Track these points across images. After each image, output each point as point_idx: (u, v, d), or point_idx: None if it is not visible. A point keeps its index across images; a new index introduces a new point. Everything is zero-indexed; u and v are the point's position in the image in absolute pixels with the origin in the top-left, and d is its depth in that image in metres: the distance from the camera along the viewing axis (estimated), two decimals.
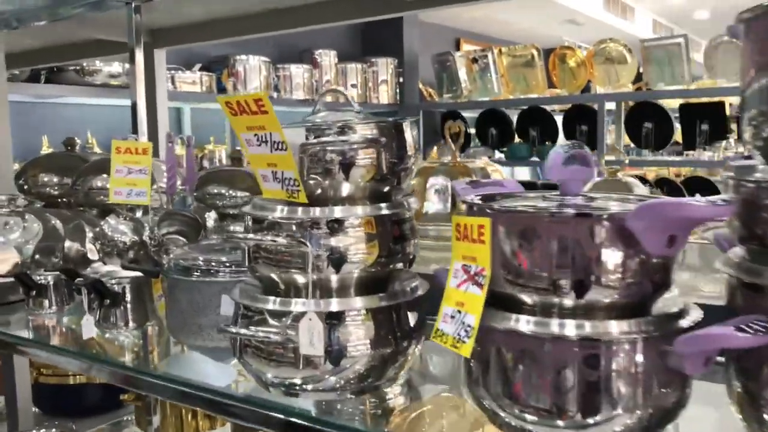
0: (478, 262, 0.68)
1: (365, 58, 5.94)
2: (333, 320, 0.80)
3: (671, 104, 5.76)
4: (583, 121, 5.83)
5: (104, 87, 3.92)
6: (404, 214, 0.85)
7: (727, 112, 5.43)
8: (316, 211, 0.79)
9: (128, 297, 1.06)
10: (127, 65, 4.06)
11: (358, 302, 0.81)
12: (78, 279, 1.04)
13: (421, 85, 6.46)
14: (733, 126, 5.42)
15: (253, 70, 4.89)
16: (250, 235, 0.80)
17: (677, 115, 5.57)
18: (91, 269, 1.19)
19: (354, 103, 0.85)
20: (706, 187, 5.33)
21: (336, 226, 0.79)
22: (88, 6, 1.50)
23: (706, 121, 5.40)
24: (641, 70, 5.65)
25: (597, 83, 5.82)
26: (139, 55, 1.59)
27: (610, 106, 5.73)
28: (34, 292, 1.15)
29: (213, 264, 0.96)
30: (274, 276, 0.82)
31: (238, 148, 4.56)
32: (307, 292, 0.80)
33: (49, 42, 2.33)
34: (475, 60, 6.08)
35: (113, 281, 1.05)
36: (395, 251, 0.84)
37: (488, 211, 0.70)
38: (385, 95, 5.99)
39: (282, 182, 0.78)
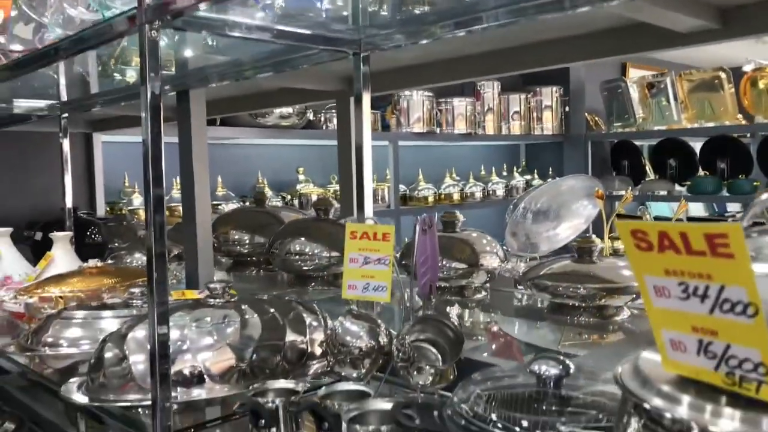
0: None
1: (528, 88, 5.59)
2: None
3: None
4: None
5: (275, 128, 3.88)
6: None
7: None
8: None
9: None
10: (297, 105, 4.02)
11: None
12: None
13: (586, 115, 6.01)
14: None
15: (416, 105, 4.71)
16: None
17: None
18: (327, 390, 0.95)
19: None
20: None
21: None
22: (310, 58, 1.32)
23: None
24: None
25: None
26: (366, 101, 1.40)
27: None
28: (262, 422, 0.93)
29: None
30: None
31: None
32: None
33: (244, 91, 2.23)
34: (651, 85, 5.54)
35: None
36: None
37: None
38: (549, 125, 5.61)
39: (721, 360, 0.48)
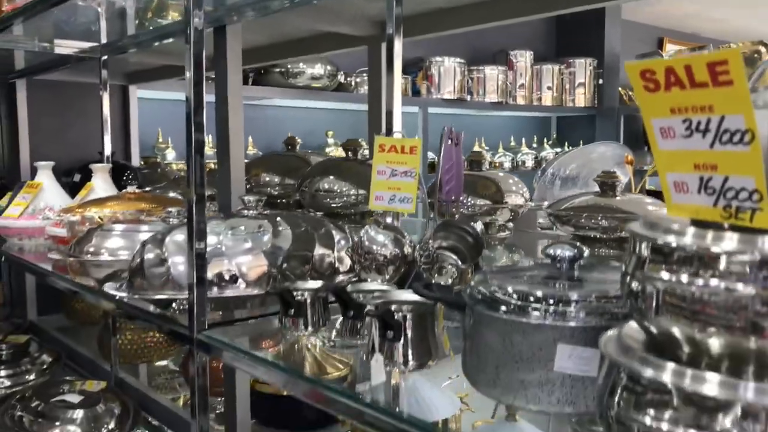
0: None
1: (561, 59, 5.54)
2: None
3: None
4: None
5: (306, 89, 3.92)
6: None
7: None
8: None
9: (411, 329, 0.85)
10: (328, 67, 4.05)
11: None
12: (368, 309, 0.85)
13: (620, 89, 5.94)
14: None
15: (447, 72, 4.72)
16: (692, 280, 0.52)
17: None
18: (353, 288, 1.00)
19: None
20: None
21: None
22: None
23: None
24: None
25: None
26: (398, 44, 1.42)
27: None
28: (292, 311, 0.99)
29: (550, 300, 0.72)
30: (702, 340, 0.54)
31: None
32: None
33: (275, 39, 2.27)
34: None
35: (398, 311, 0.84)
36: None
37: None
38: (581, 98, 5.56)
39: (720, 194, 0.51)
